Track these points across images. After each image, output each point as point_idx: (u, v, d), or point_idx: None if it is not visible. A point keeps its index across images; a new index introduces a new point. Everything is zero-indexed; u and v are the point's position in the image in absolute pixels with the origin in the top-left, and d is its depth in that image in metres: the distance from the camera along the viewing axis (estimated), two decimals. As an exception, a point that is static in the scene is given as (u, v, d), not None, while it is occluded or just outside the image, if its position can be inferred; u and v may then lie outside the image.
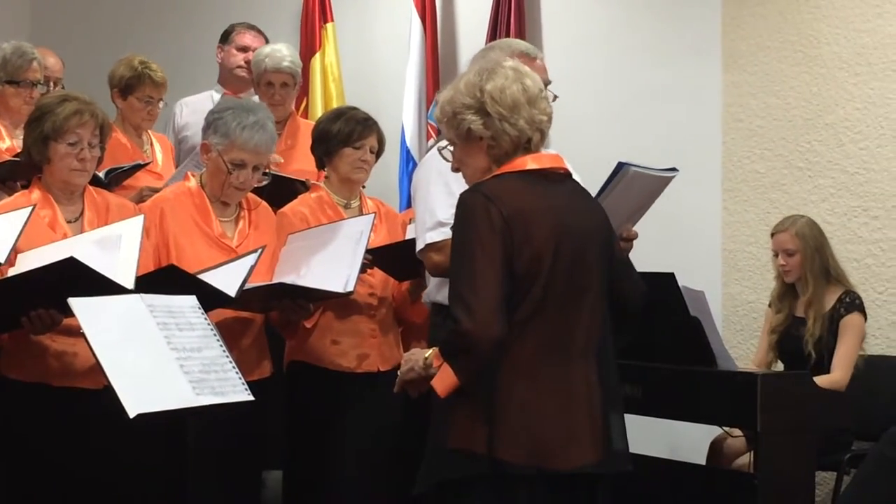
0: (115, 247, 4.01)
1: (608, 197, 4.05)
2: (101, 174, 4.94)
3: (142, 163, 5.49)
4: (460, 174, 3.60)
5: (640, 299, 3.70)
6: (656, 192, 4.30)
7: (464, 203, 3.36)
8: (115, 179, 5.12)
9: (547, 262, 3.33)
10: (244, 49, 6.71)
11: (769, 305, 5.99)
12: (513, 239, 3.29)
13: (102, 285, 3.80)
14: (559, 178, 3.51)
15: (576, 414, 3.37)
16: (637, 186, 4.15)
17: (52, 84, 5.86)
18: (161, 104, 5.90)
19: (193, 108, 6.54)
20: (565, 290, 3.37)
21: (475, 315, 3.24)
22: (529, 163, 3.44)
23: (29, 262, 3.98)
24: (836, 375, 5.56)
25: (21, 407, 4.17)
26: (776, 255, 5.87)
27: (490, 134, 3.43)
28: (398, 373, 3.66)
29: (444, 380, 3.35)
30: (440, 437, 3.38)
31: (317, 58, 7.63)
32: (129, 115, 5.83)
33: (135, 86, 5.80)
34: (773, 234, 5.90)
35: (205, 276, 4.17)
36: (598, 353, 3.44)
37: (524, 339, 3.33)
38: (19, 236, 3.96)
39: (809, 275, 5.75)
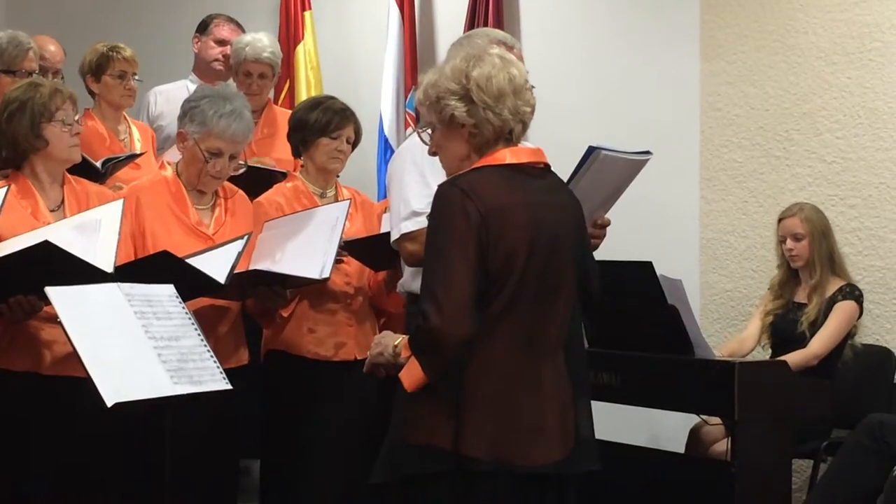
0: (95, 231, 4.02)
1: (579, 182, 4.00)
2: (98, 164, 4.94)
3: (136, 153, 5.48)
4: (436, 163, 3.57)
5: (599, 292, 3.69)
6: (630, 176, 4.27)
7: (441, 196, 3.33)
8: (110, 169, 5.11)
9: (521, 259, 3.31)
10: (222, 42, 6.67)
11: (769, 289, 5.99)
12: (488, 236, 3.26)
13: (80, 269, 3.80)
14: (538, 172, 3.47)
15: (544, 411, 3.35)
16: (609, 171, 4.12)
17: (51, 74, 5.85)
18: (136, 79, 5.86)
19: (168, 97, 6.52)
20: (538, 288, 3.35)
21: (444, 313, 3.21)
22: (508, 157, 3.40)
23: (6, 250, 3.97)
24: (812, 349, 5.60)
25: (11, 395, 4.17)
26: (782, 242, 5.88)
27: (473, 122, 3.39)
28: (368, 353, 3.65)
29: (411, 374, 3.33)
30: (404, 431, 3.34)
31: (300, 47, 7.61)
32: (107, 95, 5.81)
33: (105, 65, 5.79)
34: (780, 220, 5.90)
35: (192, 263, 4.17)
36: (566, 346, 3.44)
37: (495, 336, 3.31)
38: None
39: (817, 259, 5.78)
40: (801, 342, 5.65)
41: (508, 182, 3.37)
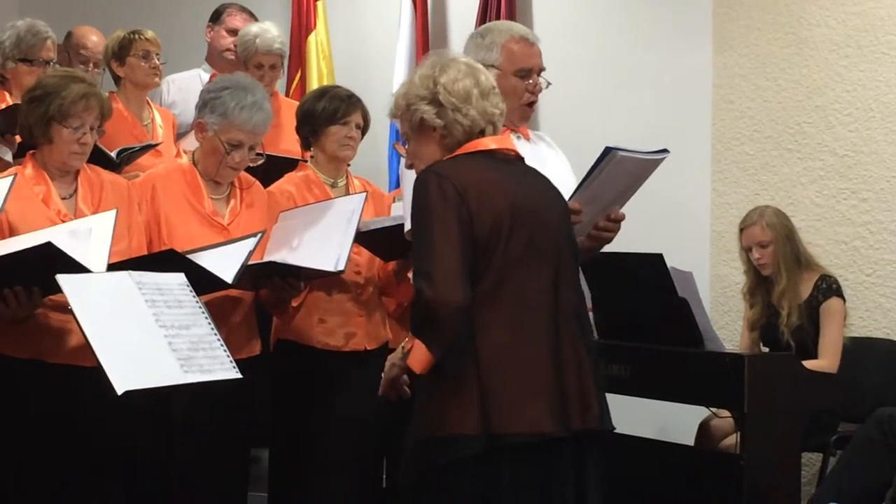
0: (86, 238, 3.98)
1: (595, 182, 4.01)
2: (113, 153, 4.94)
3: (153, 143, 5.48)
4: None
5: None
6: (645, 174, 4.28)
7: (418, 183, 3.39)
8: (126, 159, 5.11)
9: (506, 228, 3.34)
10: (234, 32, 6.69)
11: (742, 299, 5.99)
12: (469, 209, 3.31)
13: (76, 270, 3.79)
14: (510, 159, 3.54)
15: (565, 374, 3.36)
16: (626, 170, 4.13)
17: (92, 65, 5.85)
18: (160, 59, 5.88)
19: (180, 86, 6.55)
20: (529, 255, 3.37)
21: (435, 283, 3.24)
22: (480, 145, 3.48)
23: (6, 249, 3.96)
24: (824, 362, 5.56)
25: (15, 383, 4.15)
26: (748, 250, 5.86)
27: (442, 123, 3.47)
28: (382, 374, 3.69)
29: (418, 356, 3.35)
30: (429, 426, 3.34)
31: (312, 36, 7.62)
32: (133, 76, 5.82)
33: (127, 47, 5.82)
34: (741, 229, 5.89)
35: (201, 258, 4.15)
36: (577, 318, 3.45)
37: (499, 304, 3.33)
38: (5, 201, 3.95)
39: (782, 264, 5.76)
40: (790, 350, 5.62)
41: (483, 163, 3.44)
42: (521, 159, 3.60)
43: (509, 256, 3.34)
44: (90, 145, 4.29)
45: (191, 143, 5.19)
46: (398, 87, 3.62)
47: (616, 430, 3.56)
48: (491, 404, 3.27)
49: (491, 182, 3.38)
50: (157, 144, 5.53)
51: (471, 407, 3.28)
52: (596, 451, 3.47)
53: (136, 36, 5.84)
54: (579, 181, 4.03)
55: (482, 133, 3.49)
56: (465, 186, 3.32)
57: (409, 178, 4.32)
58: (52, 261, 3.75)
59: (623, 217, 4.30)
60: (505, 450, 3.29)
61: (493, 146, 3.49)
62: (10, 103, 5.19)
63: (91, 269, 3.85)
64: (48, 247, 3.74)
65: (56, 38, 5.57)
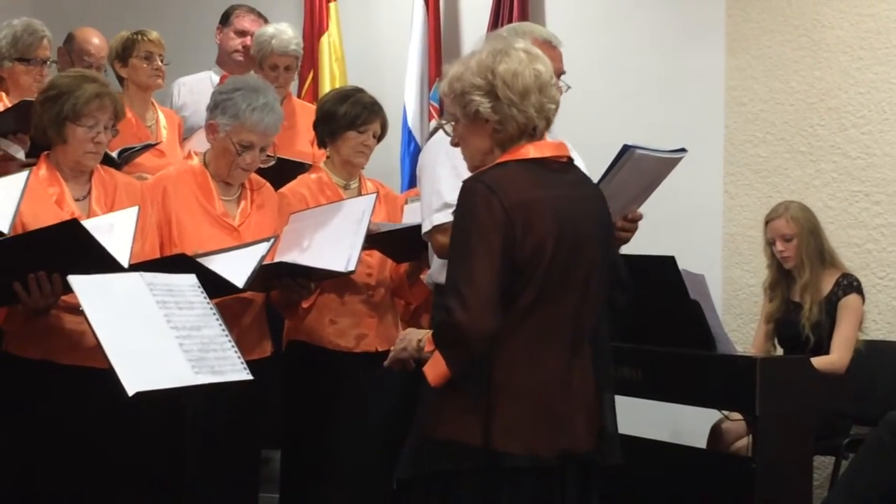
0: (108, 232, 3.99)
1: (612, 180, 4.00)
2: (115, 154, 4.94)
3: (152, 143, 5.48)
4: None
5: (630, 285, 3.67)
6: (663, 173, 4.26)
7: (465, 192, 3.31)
8: (126, 159, 5.11)
9: (548, 252, 3.29)
10: (242, 33, 6.69)
11: (763, 292, 5.99)
12: (514, 230, 3.24)
13: (100, 257, 3.79)
14: (561, 167, 3.45)
15: (571, 405, 3.35)
16: (643, 169, 4.12)
17: (95, 69, 5.83)
18: (163, 61, 5.86)
19: (191, 88, 6.55)
20: (565, 279, 3.33)
21: (469, 307, 3.20)
22: (532, 151, 3.38)
23: None
24: (835, 357, 5.58)
25: (27, 383, 4.17)
26: (771, 244, 5.87)
27: (498, 118, 3.37)
28: (391, 348, 3.66)
29: (435, 368, 3.32)
30: (432, 427, 3.34)
31: (325, 38, 7.62)
32: (135, 77, 5.81)
33: (130, 48, 5.81)
34: (767, 222, 5.90)
35: (213, 262, 4.16)
36: (592, 340, 3.42)
37: (523, 328, 3.30)
38: (19, 203, 3.94)
39: (806, 258, 5.77)
40: (808, 345, 5.63)
41: (532, 176, 3.35)
42: (572, 162, 3.51)
43: (544, 284, 3.30)
44: (104, 144, 4.31)
45: (197, 144, 5.20)
46: (452, 65, 3.48)
47: (627, 436, 3.56)
48: (493, 421, 3.26)
49: (539, 201, 3.30)
50: (156, 144, 5.52)
51: (475, 420, 3.26)
52: (597, 481, 3.46)
53: (140, 37, 5.82)
54: (597, 181, 4.01)
55: (535, 129, 3.40)
56: (514, 205, 3.25)
57: (428, 154, 4.30)
58: (75, 243, 3.76)
59: (640, 217, 4.29)
60: (505, 470, 3.28)
61: (547, 153, 3.41)
62: (7, 103, 5.19)
63: (115, 257, 3.85)
64: (73, 225, 3.76)
65: (52, 39, 5.54)
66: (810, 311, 5.69)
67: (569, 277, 3.34)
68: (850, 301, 5.69)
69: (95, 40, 6.14)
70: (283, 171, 5.06)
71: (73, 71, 4.54)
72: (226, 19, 6.82)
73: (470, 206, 3.28)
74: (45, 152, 4.32)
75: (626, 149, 4.02)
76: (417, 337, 3.54)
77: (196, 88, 6.46)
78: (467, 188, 3.32)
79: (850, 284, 5.73)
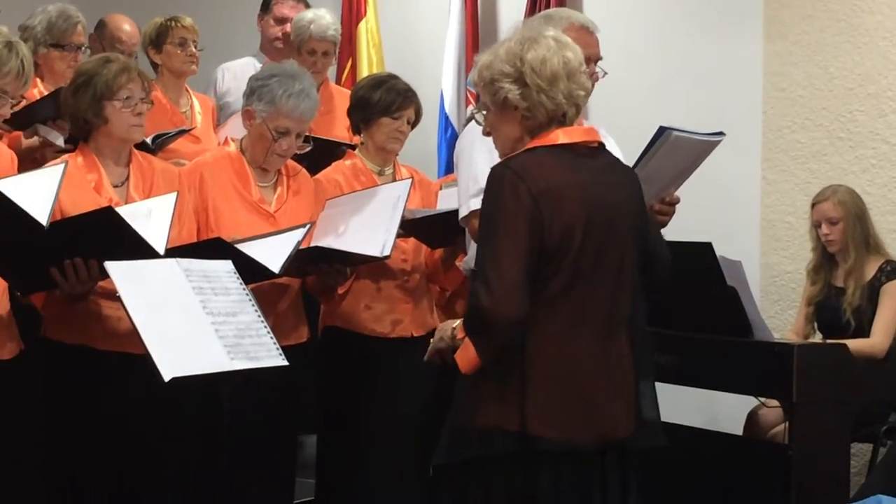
0: (146, 217, 4.01)
1: (650, 162, 3.99)
2: (149, 139, 4.96)
3: (186, 128, 5.49)
4: None
5: (668, 269, 3.67)
6: (701, 156, 4.24)
7: (493, 178, 3.32)
8: (160, 145, 5.13)
9: (577, 238, 3.29)
10: (282, 21, 6.69)
11: (806, 275, 5.98)
12: (542, 216, 3.24)
13: (135, 244, 3.81)
14: (590, 151, 3.45)
15: (608, 390, 3.35)
16: (680, 151, 4.10)
17: (127, 55, 5.85)
18: (197, 47, 5.87)
19: (235, 74, 6.55)
20: (597, 264, 3.33)
21: (493, 292, 3.20)
22: (561, 137, 3.38)
23: None
24: (875, 340, 5.57)
25: (64, 368, 4.20)
26: (817, 226, 5.85)
27: (526, 105, 3.37)
28: (430, 340, 3.68)
29: (466, 355, 3.33)
30: (468, 414, 3.34)
31: (363, 24, 7.62)
32: (169, 63, 5.83)
33: (164, 34, 5.83)
34: (813, 205, 5.88)
35: (249, 248, 4.17)
36: (629, 325, 3.42)
37: (555, 315, 3.30)
38: (57, 194, 3.98)
39: (851, 243, 5.75)
40: (849, 329, 5.61)
41: (561, 162, 3.35)
42: (603, 147, 3.51)
43: (575, 269, 3.30)
44: (145, 115, 4.34)
45: (232, 129, 5.21)
46: (482, 54, 3.49)
47: (663, 423, 3.55)
48: (528, 406, 3.26)
49: (567, 187, 3.30)
50: (190, 129, 5.54)
51: (509, 405, 3.27)
52: (634, 464, 3.46)
53: (174, 23, 5.84)
54: (633, 164, 3.99)
55: (564, 116, 3.40)
56: (541, 191, 3.25)
57: (465, 140, 4.30)
58: (110, 229, 3.78)
59: (678, 200, 4.27)
60: (543, 454, 3.28)
61: (577, 139, 3.40)
62: (42, 88, 5.21)
63: (152, 244, 3.88)
64: (108, 212, 3.78)
65: (87, 26, 5.56)
66: (853, 296, 5.68)
67: (600, 263, 3.33)
68: (892, 287, 5.67)
69: (127, 27, 6.16)
70: (321, 155, 5.07)
71: (93, 58, 4.57)
72: (266, 6, 6.82)
73: (497, 192, 3.29)
74: (82, 143, 4.35)
75: (662, 130, 4.00)
76: (452, 325, 3.55)
77: (240, 74, 6.46)
78: (495, 174, 3.33)
79: (893, 270, 5.71)
